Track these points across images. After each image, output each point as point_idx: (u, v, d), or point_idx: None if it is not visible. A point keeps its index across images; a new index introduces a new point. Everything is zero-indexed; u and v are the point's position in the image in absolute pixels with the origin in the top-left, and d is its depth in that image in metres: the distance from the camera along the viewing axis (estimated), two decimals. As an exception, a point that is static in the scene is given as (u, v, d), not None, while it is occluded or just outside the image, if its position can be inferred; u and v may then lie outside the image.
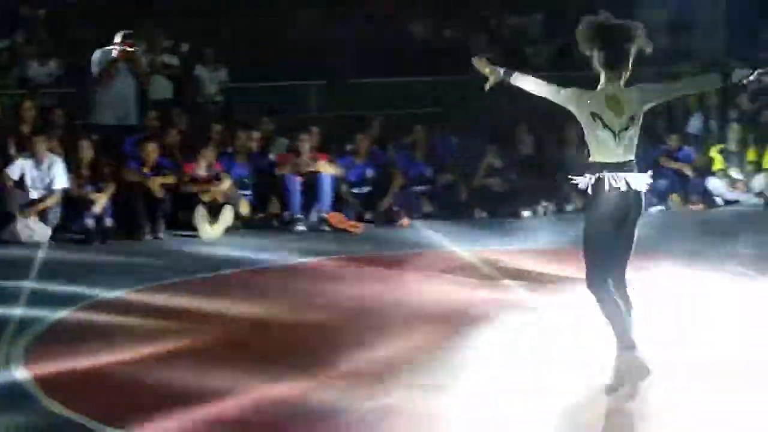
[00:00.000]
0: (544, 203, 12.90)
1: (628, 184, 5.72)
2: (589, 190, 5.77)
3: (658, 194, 13.03)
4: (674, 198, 13.09)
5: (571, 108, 5.89)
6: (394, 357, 6.59)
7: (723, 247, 10.31)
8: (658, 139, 13.98)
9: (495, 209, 12.79)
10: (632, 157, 5.81)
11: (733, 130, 13.57)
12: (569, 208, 12.93)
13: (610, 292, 5.80)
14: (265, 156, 12.67)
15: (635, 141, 5.82)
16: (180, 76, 14.57)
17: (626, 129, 5.76)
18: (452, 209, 12.76)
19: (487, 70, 6.24)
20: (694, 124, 14.61)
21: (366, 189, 12.64)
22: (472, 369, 6.36)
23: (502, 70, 6.17)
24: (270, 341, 7.16)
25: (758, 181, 13.24)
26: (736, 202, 13.24)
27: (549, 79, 6.08)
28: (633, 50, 5.80)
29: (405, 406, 5.65)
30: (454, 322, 7.48)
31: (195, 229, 11.31)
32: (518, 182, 13.10)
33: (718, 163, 13.47)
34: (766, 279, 8.79)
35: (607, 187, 5.71)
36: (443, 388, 5.96)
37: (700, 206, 13.13)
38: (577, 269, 9.04)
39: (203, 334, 7.21)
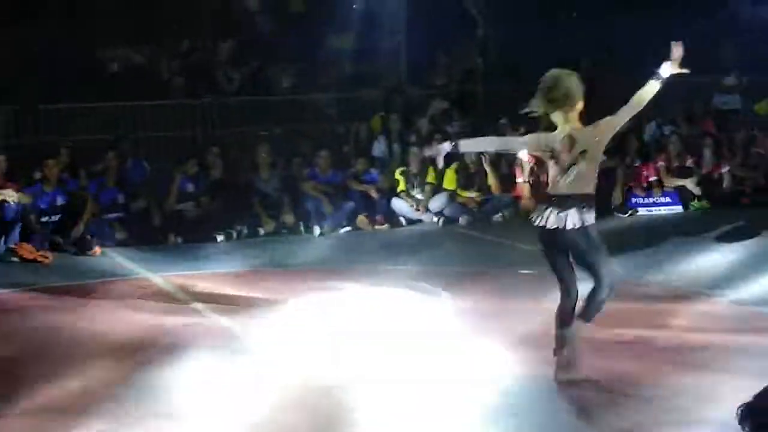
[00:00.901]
0: (237, 227, 13.12)
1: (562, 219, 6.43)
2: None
3: (346, 215, 13.59)
4: (361, 219, 13.63)
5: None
6: (87, 388, 6.58)
7: (406, 264, 10.96)
8: (346, 163, 14.54)
9: (189, 234, 12.88)
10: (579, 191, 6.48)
11: (413, 153, 14.29)
12: (262, 231, 13.23)
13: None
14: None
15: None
16: None
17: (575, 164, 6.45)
18: (146, 235, 12.75)
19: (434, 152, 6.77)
20: (379, 148, 15.27)
21: (57, 217, 12.39)
22: (174, 394, 6.48)
23: (446, 145, 6.66)
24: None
25: (437, 201, 14.01)
26: (418, 221, 13.93)
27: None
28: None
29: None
30: (147, 350, 7.55)
31: None
32: (211, 206, 13.27)
33: (402, 185, 14.14)
34: (443, 293, 9.39)
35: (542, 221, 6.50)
36: (145, 418, 6.05)
37: (385, 226, 13.74)
38: (270, 291, 9.47)
39: None
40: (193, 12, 17.17)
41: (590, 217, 6.52)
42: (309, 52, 17.15)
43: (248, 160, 14.21)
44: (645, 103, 6.50)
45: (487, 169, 14.06)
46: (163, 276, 10.54)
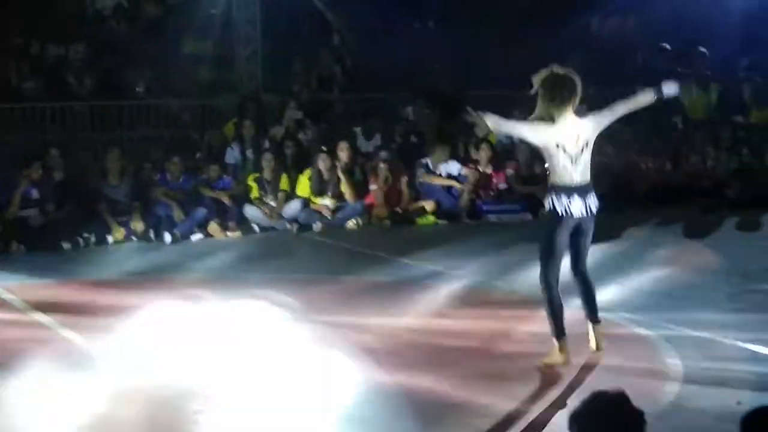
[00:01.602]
0: (85, 234, 12.84)
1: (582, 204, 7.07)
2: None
3: (197, 222, 13.44)
4: (213, 226, 13.50)
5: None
6: None
7: (258, 271, 10.91)
8: (200, 169, 14.39)
9: (33, 242, 12.55)
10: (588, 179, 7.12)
11: (266, 160, 14.23)
12: (110, 239, 12.97)
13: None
14: None
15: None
16: None
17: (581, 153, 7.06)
18: (-15, 244, 12.38)
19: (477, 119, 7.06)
20: (232, 154, 15.16)
21: None
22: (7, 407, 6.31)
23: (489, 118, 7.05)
24: None
25: (290, 208, 13.98)
26: (271, 228, 13.88)
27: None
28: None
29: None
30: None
31: None
32: (57, 214, 12.95)
33: (255, 192, 14.07)
34: (292, 302, 9.37)
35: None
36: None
37: (238, 233, 13.65)
38: (116, 301, 9.29)
39: None
40: (45, 13, 16.75)
41: (596, 204, 7.22)
42: (163, 57, 16.93)
43: (98, 166, 13.94)
44: (636, 109, 7.32)
45: (341, 176, 14.10)
46: (2, 285, 10.23)
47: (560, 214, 7.08)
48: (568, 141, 7.04)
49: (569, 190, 7.09)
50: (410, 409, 6.41)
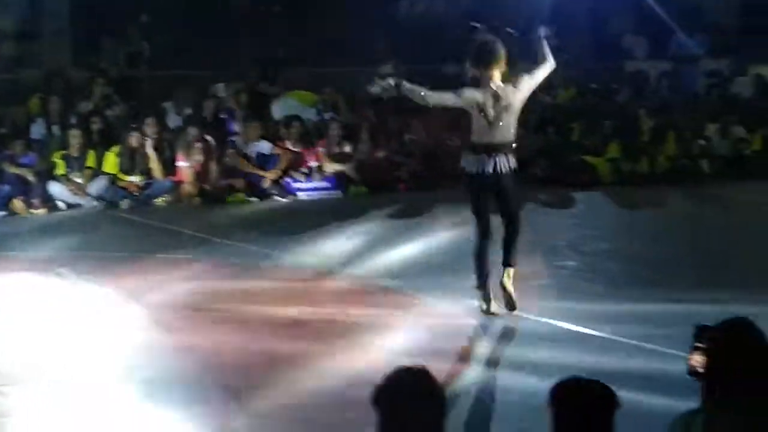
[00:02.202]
0: None
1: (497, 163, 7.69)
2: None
3: (0, 200, 12.97)
4: (16, 203, 13.04)
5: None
6: None
7: (60, 249, 10.62)
8: (4, 145, 13.86)
9: None
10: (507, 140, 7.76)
11: (73, 136, 13.81)
12: None
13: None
14: None
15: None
16: None
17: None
18: None
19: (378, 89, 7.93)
20: (37, 130, 14.65)
21: None
22: None
23: (391, 81, 7.79)
24: None
25: (96, 185, 13.63)
26: (78, 205, 13.49)
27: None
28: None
29: None
30: None
31: None
32: None
33: (61, 168, 13.64)
34: (91, 279, 9.18)
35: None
36: None
37: (43, 210, 13.22)
38: None
39: None
40: None
41: (514, 162, 7.84)
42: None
43: None
44: (549, 71, 8.09)
45: (150, 153, 13.80)
46: None
47: (474, 172, 7.75)
48: (487, 103, 7.67)
49: (484, 149, 7.74)
50: (217, 383, 6.49)
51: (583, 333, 7.68)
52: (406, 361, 3.62)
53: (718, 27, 22.75)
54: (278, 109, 15.54)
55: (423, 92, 7.77)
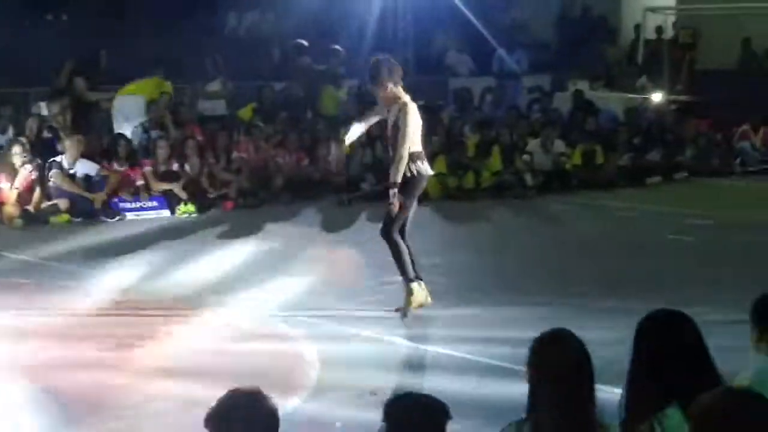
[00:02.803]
0: None
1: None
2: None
3: None
4: None
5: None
6: None
7: None
8: None
9: None
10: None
11: None
12: None
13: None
14: None
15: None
16: None
17: None
18: None
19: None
20: None
21: None
22: None
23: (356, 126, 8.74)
24: None
25: None
26: None
27: None
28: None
29: None
30: None
31: None
32: None
33: None
34: None
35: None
36: None
37: None
38: None
39: None
40: None
41: None
42: None
43: None
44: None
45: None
46: None
47: (425, 174, 8.67)
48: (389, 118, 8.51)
49: (421, 155, 8.60)
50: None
51: (414, 349, 7.75)
52: (230, 385, 3.57)
53: (538, 44, 23.46)
54: (120, 116, 15.14)
55: (367, 118, 8.82)
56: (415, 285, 8.58)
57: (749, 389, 3.40)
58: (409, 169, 8.51)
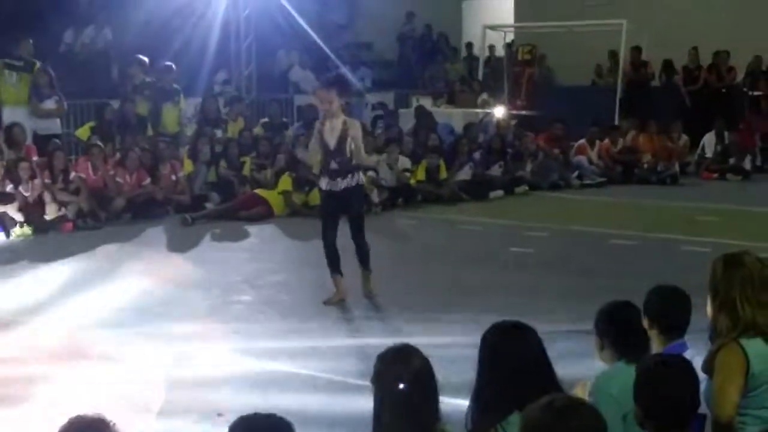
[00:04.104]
0: None
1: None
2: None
3: None
4: None
5: None
6: None
7: None
8: None
9: None
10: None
11: None
12: None
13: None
14: None
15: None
16: None
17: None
18: None
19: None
20: None
21: None
22: None
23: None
24: None
25: None
26: None
27: None
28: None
29: None
30: None
31: None
32: None
33: None
34: None
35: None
36: None
37: None
38: None
39: None
40: None
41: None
42: None
43: None
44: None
45: None
46: None
47: (322, 189, 9.58)
48: (327, 136, 9.32)
49: (326, 173, 9.39)
50: None
51: (262, 368, 7.66)
52: (68, 412, 3.44)
53: (381, 61, 23.68)
54: None
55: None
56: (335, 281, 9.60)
57: (573, 399, 3.50)
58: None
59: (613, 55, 21.50)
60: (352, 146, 9.32)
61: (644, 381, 3.98)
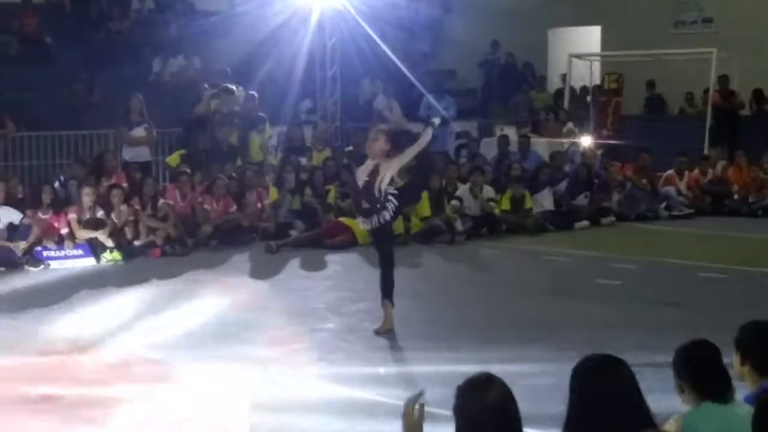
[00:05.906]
0: None
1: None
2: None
3: None
4: None
5: None
6: None
7: None
8: None
9: None
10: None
11: None
12: None
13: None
14: None
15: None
16: None
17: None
18: None
19: None
20: None
21: None
22: None
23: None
24: None
25: None
26: None
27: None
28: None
29: None
30: None
31: None
32: None
33: None
34: None
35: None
36: None
37: None
38: None
39: None
40: None
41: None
42: None
43: None
44: (424, 146, 9.68)
45: None
46: None
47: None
48: (360, 175, 9.47)
49: (358, 212, 9.69)
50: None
51: (348, 395, 7.65)
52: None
53: (465, 90, 23.64)
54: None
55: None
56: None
57: None
58: None
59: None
60: (381, 184, 9.29)
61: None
